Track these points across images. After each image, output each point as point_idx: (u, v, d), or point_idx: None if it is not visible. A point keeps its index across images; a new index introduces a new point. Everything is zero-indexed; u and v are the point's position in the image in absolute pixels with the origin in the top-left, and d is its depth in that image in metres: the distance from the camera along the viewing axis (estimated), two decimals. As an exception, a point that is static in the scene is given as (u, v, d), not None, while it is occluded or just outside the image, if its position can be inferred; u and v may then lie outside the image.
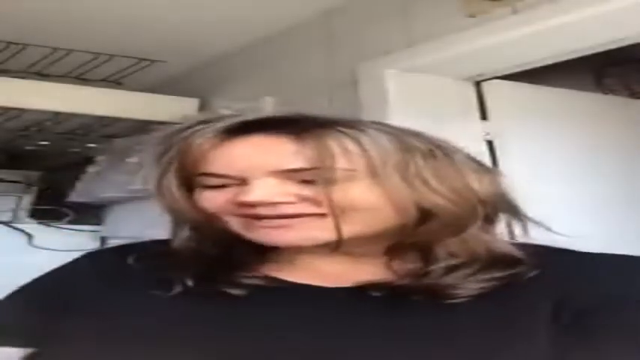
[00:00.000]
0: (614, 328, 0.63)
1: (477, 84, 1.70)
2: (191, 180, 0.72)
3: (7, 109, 1.86)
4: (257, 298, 0.70)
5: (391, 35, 1.65)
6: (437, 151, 0.71)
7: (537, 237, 0.74)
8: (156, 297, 0.70)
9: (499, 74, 1.64)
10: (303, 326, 0.67)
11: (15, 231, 2.14)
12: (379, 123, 0.73)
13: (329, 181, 0.67)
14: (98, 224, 2.27)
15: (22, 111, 1.87)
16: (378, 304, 0.67)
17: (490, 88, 1.69)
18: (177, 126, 0.74)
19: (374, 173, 0.67)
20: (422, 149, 0.70)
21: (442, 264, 0.69)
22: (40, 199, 2.33)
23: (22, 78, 1.96)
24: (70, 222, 2.24)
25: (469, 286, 0.67)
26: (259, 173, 0.68)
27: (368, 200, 0.68)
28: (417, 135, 0.72)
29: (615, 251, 0.73)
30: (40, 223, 2.20)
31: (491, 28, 1.44)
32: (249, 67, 2.06)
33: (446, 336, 0.64)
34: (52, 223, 2.20)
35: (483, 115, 1.69)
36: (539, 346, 0.63)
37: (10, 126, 2.00)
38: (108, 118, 1.99)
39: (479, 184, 0.71)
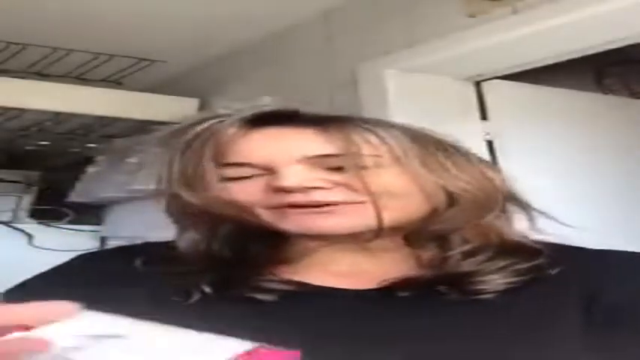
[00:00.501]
0: None
1: (477, 84, 1.70)
2: (219, 172, 0.71)
3: (7, 109, 1.86)
4: (285, 303, 0.67)
5: (391, 35, 1.65)
6: (449, 146, 0.73)
7: (547, 232, 0.74)
8: (171, 305, 0.66)
9: (499, 74, 1.64)
10: (343, 331, 0.64)
11: (15, 231, 2.14)
12: (388, 121, 0.75)
13: (359, 167, 0.67)
14: (98, 224, 2.27)
15: (22, 111, 1.87)
16: (409, 306, 0.66)
17: (490, 88, 1.70)
18: (192, 120, 0.73)
19: (398, 161, 0.68)
20: (435, 143, 0.72)
21: (458, 249, 0.70)
22: (40, 199, 2.33)
23: (22, 78, 1.96)
24: (70, 222, 2.24)
25: (495, 280, 0.66)
26: (287, 160, 0.68)
27: (400, 186, 0.68)
28: (426, 132, 0.74)
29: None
30: (40, 223, 2.20)
31: (491, 28, 1.44)
32: (250, 67, 2.06)
33: (481, 334, 0.63)
34: (52, 223, 2.20)
35: (483, 115, 1.69)
36: (571, 343, 0.62)
37: (10, 126, 2.00)
38: (108, 118, 1.99)
39: (494, 175, 0.73)
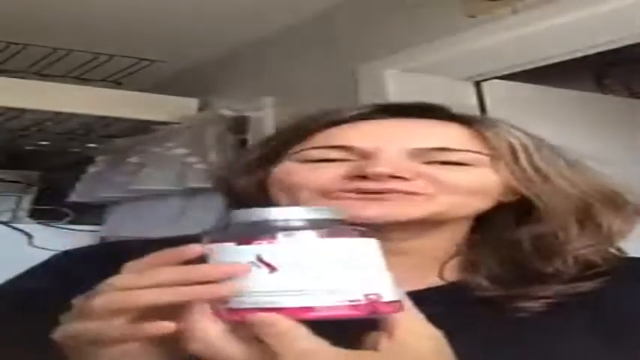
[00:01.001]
0: None
1: (477, 84, 1.70)
2: (294, 154, 0.71)
3: (7, 109, 1.86)
4: None
5: (391, 35, 1.65)
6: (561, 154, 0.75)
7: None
8: None
9: (499, 74, 1.64)
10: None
11: (15, 231, 2.14)
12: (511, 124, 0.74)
13: (456, 162, 0.68)
14: (98, 224, 2.26)
15: (22, 111, 1.87)
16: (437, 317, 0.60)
17: (490, 88, 1.69)
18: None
19: (507, 159, 0.69)
20: (549, 146, 0.75)
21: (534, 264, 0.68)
22: (40, 199, 2.33)
23: (22, 78, 1.96)
24: (70, 222, 2.24)
25: (533, 302, 0.64)
26: (390, 148, 0.67)
27: (485, 186, 0.68)
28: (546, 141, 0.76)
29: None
30: (40, 223, 2.20)
31: (491, 28, 1.44)
32: (250, 67, 2.06)
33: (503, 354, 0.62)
34: (52, 223, 2.20)
35: (483, 115, 1.69)
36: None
37: (10, 126, 2.00)
38: (108, 118, 1.99)
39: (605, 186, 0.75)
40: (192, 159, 1.85)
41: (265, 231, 0.48)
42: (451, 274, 0.70)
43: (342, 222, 0.51)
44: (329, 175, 0.67)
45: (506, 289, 0.66)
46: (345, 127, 0.71)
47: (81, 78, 2.06)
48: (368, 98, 1.64)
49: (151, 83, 2.21)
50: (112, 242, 0.83)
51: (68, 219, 2.24)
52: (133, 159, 2.01)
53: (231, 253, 0.48)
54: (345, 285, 0.46)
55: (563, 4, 1.33)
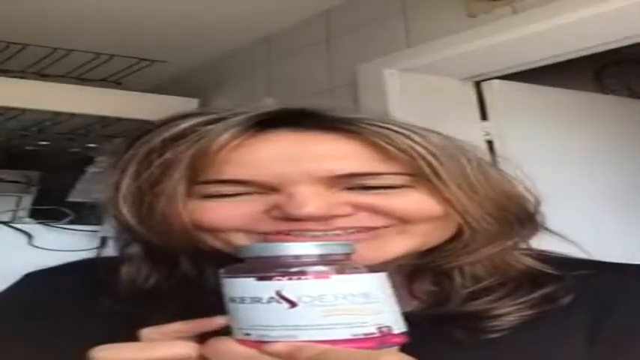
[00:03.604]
0: None
1: (477, 84, 1.70)
2: (192, 188, 0.59)
3: (7, 109, 1.86)
4: None
5: (391, 35, 1.65)
6: (477, 157, 0.64)
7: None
8: None
9: (499, 74, 1.64)
10: None
11: (15, 231, 2.14)
12: (425, 127, 0.63)
13: (388, 187, 0.58)
14: (98, 224, 2.26)
15: (22, 111, 1.87)
16: (421, 339, 0.54)
17: (490, 88, 1.69)
18: (166, 118, 0.61)
19: (431, 179, 0.58)
20: (467, 153, 0.63)
21: (468, 288, 0.62)
22: (40, 199, 2.32)
23: (22, 78, 1.96)
24: (70, 222, 2.24)
25: (508, 314, 0.60)
26: (302, 179, 0.57)
27: (429, 208, 0.59)
28: (462, 142, 0.64)
29: (615, 252, 0.73)
30: (40, 223, 2.20)
31: (492, 28, 1.44)
32: (249, 67, 2.06)
33: None
34: (52, 223, 2.20)
35: (483, 115, 1.69)
36: None
37: (10, 126, 2.00)
38: (108, 118, 1.99)
39: (514, 196, 0.65)
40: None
41: (281, 266, 0.49)
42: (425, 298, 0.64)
43: (350, 256, 0.52)
44: (246, 212, 0.58)
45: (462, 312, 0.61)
46: (236, 150, 0.58)
47: (81, 78, 2.06)
48: (368, 98, 1.64)
49: (151, 83, 2.22)
50: (79, 262, 0.78)
51: (68, 219, 2.24)
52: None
53: (251, 289, 0.49)
54: (362, 318, 0.48)
55: (563, 4, 1.33)
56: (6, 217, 2.20)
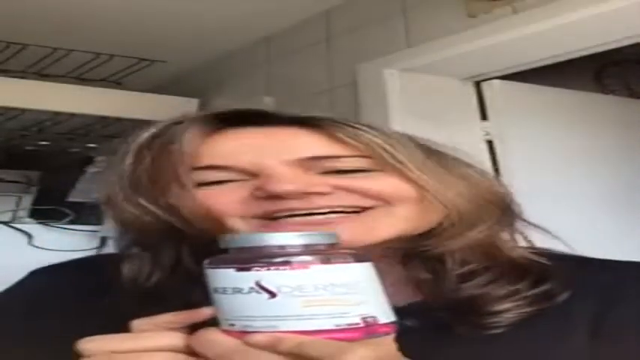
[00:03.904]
0: None
1: (477, 84, 1.70)
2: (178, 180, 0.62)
3: (7, 109, 1.86)
4: None
5: (391, 35, 1.65)
6: (440, 151, 0.67)
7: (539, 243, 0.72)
8: None
9: (499, 74, 1.64)
10: None
11: (15, 231, 2.14)
12: (379, 124, 0.67)
13: (354, 169, 0.62)
14: (98, 224, 2.26)
15: (22, 111, 1.87)
16: (414, 335, 0.56)
17: (490, 88, 1.69)
18: (157, 124, 0.65)
19: (399, 166, 0.61)
20: (427, 148, 0.66)
21: (455, 271, 0.64)
22: (40, 199, 2.32)
23: (22, 78, 1.96)
24: (70, 222, 2.24)
25: (507, 311, 0.61)
26: (278, 163, 0.61)
27: (404, 192, 0.61)
28: (417, 137, 0.68)
29: (614, 251, 0.73)
30: (40, 223, 2.20)
31: (492, 28, 1.44)
32: (249, 67, 2.06)
33: None
34: (52, 223, 2.20)
35: (483, 115, 1.69)
36: None
37: (10, 126, 2.00)
38: (108, 118, 1.99)
39: (491, 185, 0.67)
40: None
41: (263, 256, 0.49)
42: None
43: (336, 246, 0.52)
44: (231, 197, 0.61)
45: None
46: (208, 145, 0.63)
47: (81, 78, 2.06)
48: (368, 98, 1.64)
49: (151, 83, 2.22)
50: (82, 259, 0.80)
51: (68, 219, 2.24)
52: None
53: (232, 280, 0.49)
54: (343, 309, 0.47)
55: (563, 4, 1.33)
56: (6, 217, 2.20)
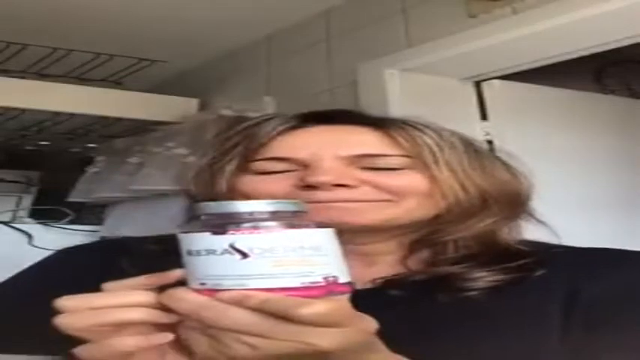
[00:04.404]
0: (626, 320, 0.65)
1: (477, 84, 1.70)
2: (247, 166, 0.74)
3: (7, 109, 1.86)
4: None
5: (391, 35, 1.65)
6: (480, 153, 0.78)
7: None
8: None
9: (499, 74, 1.64)
10: None
11: (15, 231, 2.14)
12: (430, 122, 0.78)
13: (389, 167, 0.72)
14: (98, 224, 2.26)
15: (22, 111, 1.87)
16: (399, 303, 0.68)
17: (490, 88, 1.69)
18: (239, 118, 0.78)
19: (427, 163, 0.72)
20: (471, 150, 0.77)
21: (451, 255, 0.72)
22: (40, 199, 2.33)
23: (22, 78, 1.96)
24: (70, 222, 2.24)
25: (482, 278, 0.68)
26: (326, 157, 0.71)
27: (422, 185, 0.72)
28: (465, 137, 0.79)
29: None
30: (40, 223, 2.20)
31: (492, 28, 1.44)
32: (249, 66, 2.06)
33: (458, 332, 0.66)
34: (52, 223, 2.20)
35: (483, 115, 1.69)
36: (550, 341, 0.65)
37: (10, 126, 2.00)
38: (108, 118, 1.99)
39: (513, 180, 0.76)
40: (192, 159, 1.85)
41: (237, 222, 0.53)
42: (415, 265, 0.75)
43: (301, 214, 0.56)
44: (278, 186, 0.72)
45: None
46: (284, 138, 0.75)
47: (81, 78, 2.06)
48: (368, 98, 1.64)
49: (151, 83, 2.22)
50: (110, 240, 0.88)
51: (68, 219, 2.24)
52: (133, 159, 2.01)
53: (207, 242, 0.53)
54: (307, 269, 0.52)
55: (563, 4, 1.33)
56: (6, 217, 2.20)
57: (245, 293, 0.51)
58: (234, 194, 0.73)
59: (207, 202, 0.57)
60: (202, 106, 2.09)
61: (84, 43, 1.94)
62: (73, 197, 2.19)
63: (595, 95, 2.04)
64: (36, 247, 2.07)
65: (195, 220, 0.58)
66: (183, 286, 0.54)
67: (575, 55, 1.50)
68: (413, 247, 0.74)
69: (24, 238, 2.12)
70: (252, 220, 0.53)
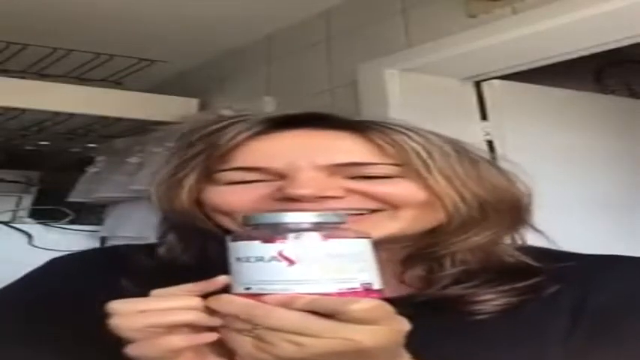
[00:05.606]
0: (630, 329, 0.64)
1: (477, 84, 1.70)
2: (212, 177, 0.69)
3: (7, 109, 1.86)
4: None
5: (391, 35, 1.65)
6: (473, 160, 0.71)
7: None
8: None
9: (499, 74, 1.64)
10: None
11: (15, 231, 2.14)
12: (419, 127, 0.71)
13: (379, 176, 0.67)
14: (98, 224, 2.27)
15: (22, 111, 1.87)
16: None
17: (490, 88, 1.69)
18: (204, 121, 0.73)
19: (420, 171, 0.66)
20: (463, 155, 0.70)
21: (449, 271, 0.68)
22: (40, 199, 2.33)
23: (22, 78, 1.96)
24: (70, 222, 2.24)
25: (491, 301, 0.65)
26: (306, 166, 0.66)
27: (418, 196, 0.66)
28: (458, 142, 0.72)
29: (614, 251, 0.74)
30: (40, 223, 2.20)
31: (492, 28, 1.44)
32: (250, 67, 2.06)
33: (464, 351, 0.64)
34: (52, 223, 2.20)
35: (483, 115, 1.69)
36: (554, 348, 0.63)
37: (10, 126, 2.00)
38: (108, 118, 1.99)
39: (508, 195, 0.71)
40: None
41: (284, 231, 0.57)
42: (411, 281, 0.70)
43: (341, 224, 0.59)
44: (250, 197, 0.67)
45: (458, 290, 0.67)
46: (252, 145, 0.69)
47: (81, 78, 2.06)
48: (368, 98, 1.64)
49: (151, 83, 2.22)
50: (99, 249, 0.87)
51: (68, 219, 2.24)
52: (133, 159, 2.01)
53: (256, 250, 0.56)
54: (346, 276, 0.56)
55: (563, 4, 1.33)
56: (6, 217, 2.20)
57: (292, 295, 0.53)
58: (202, 206, 0.69)
59: (253, 214, 0.59)
60: (202, 106, 2.09)
61: (84, 43, 1.94)
62: (73, 197, 2.19)
63: (595, 95, 2.04)
64: (36, 247, 2.07)
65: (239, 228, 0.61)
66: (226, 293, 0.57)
67: (575, 55, 1.50)
68: (407, 262, 0.69)
69: (24, 238, 2.12)
70: (298, 230, 0.57)
